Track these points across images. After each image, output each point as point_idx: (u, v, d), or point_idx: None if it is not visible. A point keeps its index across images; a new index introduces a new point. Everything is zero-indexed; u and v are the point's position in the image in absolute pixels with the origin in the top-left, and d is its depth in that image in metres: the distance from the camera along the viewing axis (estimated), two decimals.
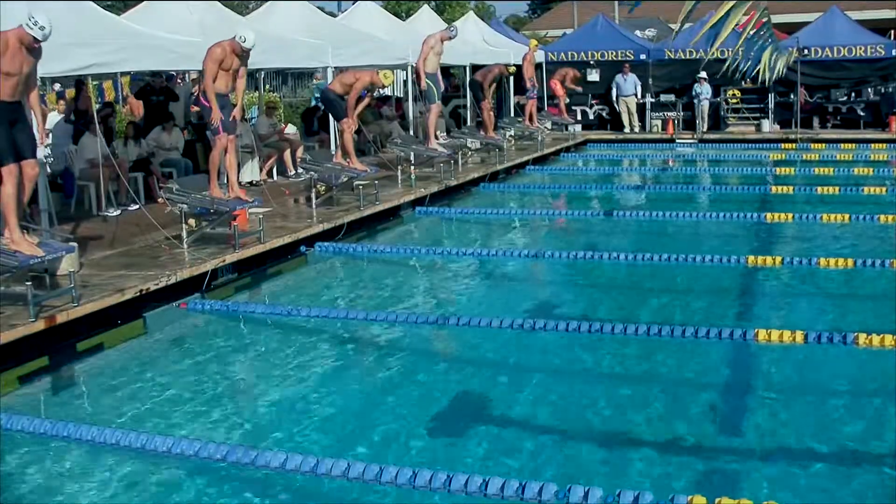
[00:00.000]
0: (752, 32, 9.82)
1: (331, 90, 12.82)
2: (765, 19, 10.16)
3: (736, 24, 8.60)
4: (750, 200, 14.18)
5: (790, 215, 12.16)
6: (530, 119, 20.12)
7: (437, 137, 14.95)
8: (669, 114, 23.01)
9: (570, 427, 6.00)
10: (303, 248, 10.58)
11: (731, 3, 7.48)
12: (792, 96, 21.92)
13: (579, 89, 22.80)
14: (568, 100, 22.56)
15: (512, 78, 21.65)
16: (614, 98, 23.18)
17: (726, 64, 12.40)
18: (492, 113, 17.99)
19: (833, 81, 22.45)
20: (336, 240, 11.11)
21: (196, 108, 12.94)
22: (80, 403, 6.77)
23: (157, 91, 14.58)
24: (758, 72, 13.82)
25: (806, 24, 23.50)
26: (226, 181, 10.40)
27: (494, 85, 18.30)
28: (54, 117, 14.29)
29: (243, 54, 9.90)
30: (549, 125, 21.04)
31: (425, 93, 14.76)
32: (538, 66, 23.84)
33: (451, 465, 5.15)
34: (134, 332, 7.86)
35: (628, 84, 22.82)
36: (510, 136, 20.14)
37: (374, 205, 12.30)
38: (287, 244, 10.33)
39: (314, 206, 11.97)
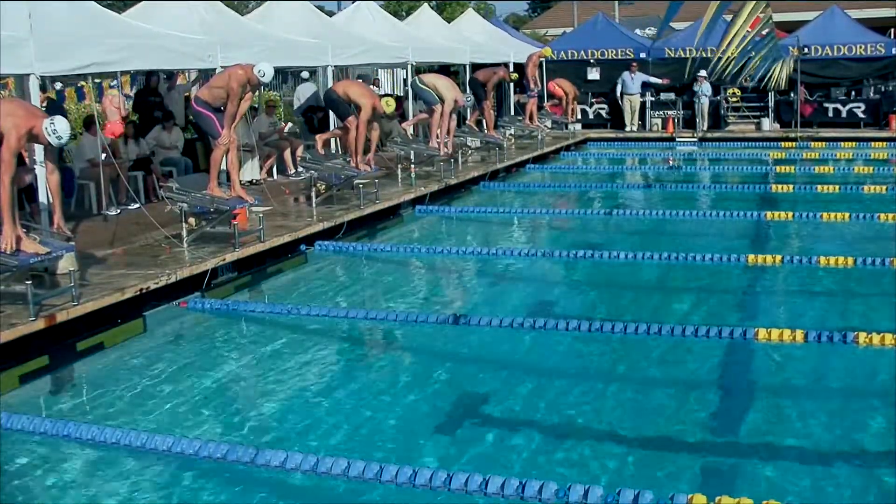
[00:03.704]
0: (754, 35, 9.79)
1: (334, 91, 12.81)
2: (769, 28, 10.15)
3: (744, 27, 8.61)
4: (750, 199, 14.18)
5: (790, 214, 12.16)
6: (530, 118, 20.14)
7: (448, 135, 14.94)
8: (670, 112, 23.01)
9: (571, 426, 6.00)
10: (303, 247, 10.58)
11: (717, 4, 7.46)
12: (792, 95, 21.92)
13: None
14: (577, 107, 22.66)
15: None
16: (618, 95, 23.17)
17: (726, 66, 12.27)
18: (492, 112, 18.00)
19: (833, 80, 22.45)
20: (336, 238, 11.11)
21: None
22: (80, 403, 6.76)
23: (154, 91, 14.60)
24: (760, 76, 13.81)
25: (806, 23, 23.49)
26: (226, 180, 10.40)
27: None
28: None
29: (257, 84, 10.07)
30: (549, 124, 21.03)
31: (424, 98, 14.86)
32: (539, 66, 23.86)
33: (451, 464, 5.15)
34: (134, 332, 7.85)
35: (635, 83, 22.80)
36: (510, 134, 20.14)
37: (374, 203, 12.30)
38: (287, 243, 10.33)
39: (314, 204, 11.97)
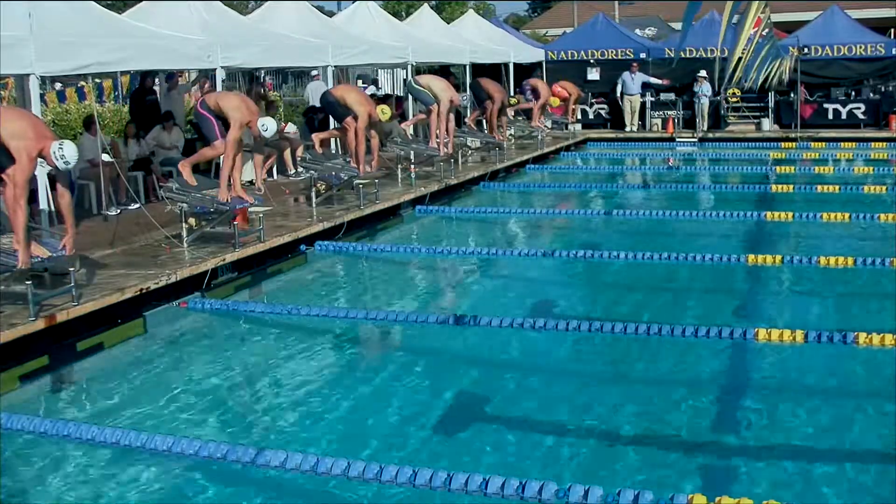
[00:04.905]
0: (756, 36, 9.80)
1: (332, 94, 12.82)
2: (768, 28, 10.16)
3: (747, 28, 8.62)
4: (750, 199, 14.18)
5: (790, 214, 12.15)
6: (531, 118, 20.16)
7: (448, 135, 14.96)
8: (670, 112, 23.01)
9: (570, 426, 6.00)
10: (303, 247, 10.58)
11: (733, 3, 7.47)
12: (792, 95, 21.93)
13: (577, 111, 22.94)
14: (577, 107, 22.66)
15: (512, 78, 21.70)
16: (619, 95, 23.16)
17: (735, 73, 12.12)
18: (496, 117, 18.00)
19: (833, 80, 22.45)
20: (336, 239, 11.11)
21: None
22: (80, 403, 6.77)
23: (150, 91, 14.60)
24: (764, 78, 13.80)
25: (806, 23, 23.50)
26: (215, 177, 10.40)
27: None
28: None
29: (257, 135, 10.09)
30: (549, 124, 21.05)
31: (421, 99, 14.91)
32: (538, 65, 23.88)
33: (451, 465, 5.15)
34: (134, 332, 7.85)
35: (635, 83, 22.79)
36: (510, 134, 20.14)
37: (374, 203, 12.31)
38: (287, 243, 10.33)
39: (314, 204, 11.97)
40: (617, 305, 9.07)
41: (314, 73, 18.85)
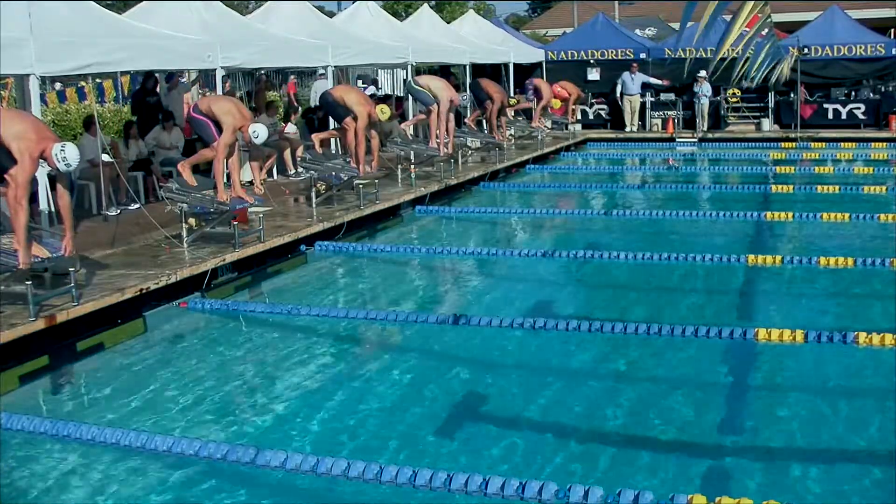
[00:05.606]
0: (752, 34, 9.79)
1: (331, 94, 12.82)
2: (768, 28, 10.16)
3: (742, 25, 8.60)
4: (750, 199, 14.18)
5: (790, 214, 12.16)
6: (531, 118, 20.17)
7: (448, 135, 14.97)
8: (670, 112, 23.01)
9: (571, 426, 6.00)
10: (303, 248, 10.58)
11: (715, 3, 7.45)
12: (792, 95, 21.92)
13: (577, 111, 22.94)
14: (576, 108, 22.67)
15: (512, 79, 21.72)
16: (618, 96, 23.15)
17: (737, 70, 12.09)
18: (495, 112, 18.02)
19: (833, 80, 22.45)
20: (336, 239, 11.12)
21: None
22: (80, 403, 6.77)
23: (151, 92, 14.60)
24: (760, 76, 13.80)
25: (806, 23, 23.50)
26: (226, 180, 10.40)
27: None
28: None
29: (248, 140, 10.02)
30: (549, 124, 21.05)
31: (420, 99, 14.93)
32: (538, 65, 23.88)
33: (451, 465, 5.15)
34: (134, 332, 7.85)
35: (635, 83, 22.79)
36: (510, 134, 20.15)
37: (374, 204, 12.31)
38: (287, 243, 10.34)
39: (314, 205, 11.97)
40: (617, 305, 9.07)
41: (321, 71, 18.84)
